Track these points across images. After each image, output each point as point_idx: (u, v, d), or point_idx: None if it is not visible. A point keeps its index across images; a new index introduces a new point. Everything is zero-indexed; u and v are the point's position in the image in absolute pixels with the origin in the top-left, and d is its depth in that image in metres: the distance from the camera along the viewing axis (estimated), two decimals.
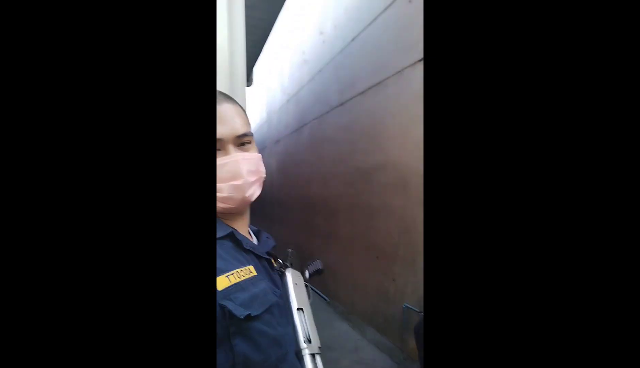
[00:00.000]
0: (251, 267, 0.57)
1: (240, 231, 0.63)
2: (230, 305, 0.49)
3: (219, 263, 0.54)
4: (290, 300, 0.64)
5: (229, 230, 0.60)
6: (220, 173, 0.56)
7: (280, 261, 0.71)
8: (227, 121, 0.56)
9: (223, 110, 0.56)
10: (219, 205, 0.58)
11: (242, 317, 0.49)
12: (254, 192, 0.60)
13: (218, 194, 0.57)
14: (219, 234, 0.58)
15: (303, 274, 0.73)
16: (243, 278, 0.54)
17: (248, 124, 0.61)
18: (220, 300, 0.49)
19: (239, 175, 0.56)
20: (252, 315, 0.51)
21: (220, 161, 0.56)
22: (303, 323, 0.62)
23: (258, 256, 0.62)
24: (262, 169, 0.62)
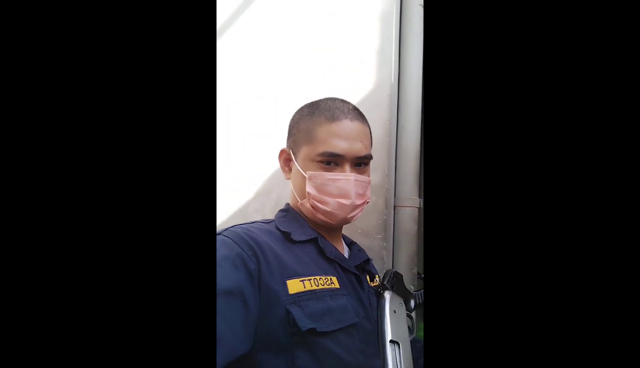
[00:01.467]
0: (334, 278, 0.53)
1: (329, 240, 0.60)
2: (296, 312, 0.46)
3: (297, 267, 0.51)
4: (385, 329, 0.54)
5: (314, 235, 0.58)
6: (330, 187, 0.55)
7: (379, 279, 0.64)
8: (352, 139, 0.56)
9: (352, 127, 0.56)
10: (319, 217, 0.57)
11: (303, 330, 0.45)
12: (356, 214, 0.59)
13: (322, 207, 0.56)
14: (301, 237, 0.57)
15: (407, 302, 0.63)
16: (321, 287, 0.50)
17: (370, 146, 0.60)
18: (287, 304, 0.46)
19: (347, 195, 0.55)
20: (318, 330, 0.45)
21: (334, 175, 0.55)
22: (395, 360, 0.52)
23: (344, 269, 0.57)
24: (369, 194, 0.60)
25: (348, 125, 0.56)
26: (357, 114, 0.59)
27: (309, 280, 0.50)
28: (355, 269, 0.58)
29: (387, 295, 0.59)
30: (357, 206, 0.57)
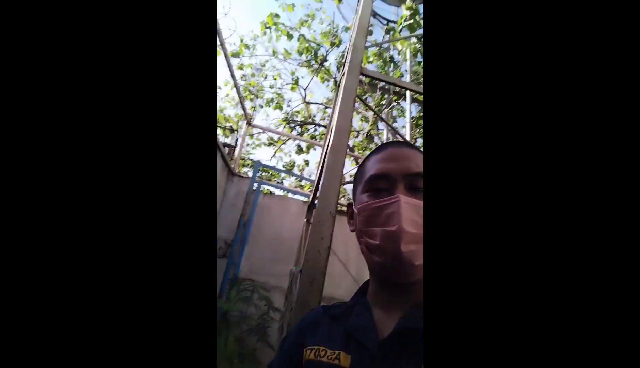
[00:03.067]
0: (344, 354, 0.43)
1: (383, 308, 0.48)
2: None
3: (316, 337, 0.48)
4: None
5: (349, 304, 0.51)
6: (377, 216, 0.46)
7: None
8: (398, 160, 0.48)
9: (397, 151, 0.50)
10: (375, 260, 0.46)
11: None
12: (419, 252, 0.43)
13: (371, 242, 0.46)
14: (334, 311, 0.51)
15: None
16: (319, 359, 0.44)
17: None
18: None
19: (394, 220, 0.43)
20: None
21: (379, 202, 0.46)
22: None
23: (359, 343, 0.44)
24: None
25: (394, 149, 0.51)
26: (406, 143, 0.54)
27: (313, 349, 0.46)
28: (376, 344, 0.43)
29: None
30: (412, 236, 0.43)
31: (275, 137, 6.48)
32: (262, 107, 6.39)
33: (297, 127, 6.50)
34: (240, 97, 3.82)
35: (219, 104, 6.28)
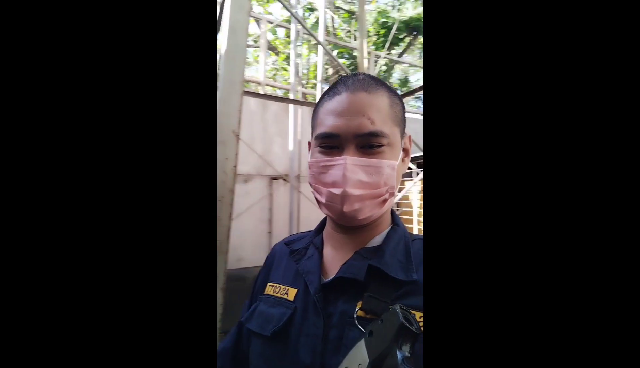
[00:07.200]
0: (292, 290, 0.50)
1: (336, 248, 0.52)
2: (252, 307, 0.55)
3: (278, 274, 0.56)
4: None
5: (302, 245, 0.56)
6: (325, 174, 0.46)
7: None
8: (351, 115, 0.44)
9: (352, 100, 0.45)
10: (323, 209, 0.49)
11: (241, 319, 0.57)
12: (362, 209, 0.44)
13: (319, 198, 0.48)
14: (294, 247, 0.57)
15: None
16: (273, 294, 0.53)
17: (386, 122, 0.46)
18: (259, 300, 0.55)
19: (338, 182, 0.44)
20: (244, 323, 0.54)
21: (326, 160, 0.46)
22: None
23: (306, 285, 0.49)
24: (388, 182, 0.45)
25: (347, 98, 0.45)
26: (364, 84, 0.46)
27: (273, 286, 0.55)
28: (318, 286, 0.47)
29: (358, 344, 0.38)
30: (356, 198, 0.43)
31: None
32: None
33: None
34: None
35: None
